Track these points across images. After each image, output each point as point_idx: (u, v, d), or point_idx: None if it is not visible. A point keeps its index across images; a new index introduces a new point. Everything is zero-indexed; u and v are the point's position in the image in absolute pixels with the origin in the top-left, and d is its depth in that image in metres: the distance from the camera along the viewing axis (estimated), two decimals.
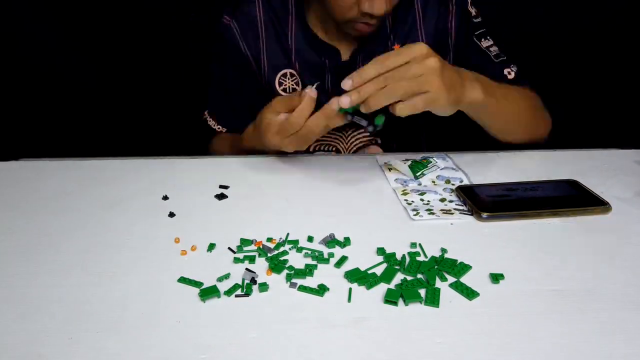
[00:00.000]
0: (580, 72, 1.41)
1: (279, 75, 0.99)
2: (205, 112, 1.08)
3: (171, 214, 0.70)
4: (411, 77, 0.66)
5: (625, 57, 1.39)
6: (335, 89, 0.99)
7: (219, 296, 0.54)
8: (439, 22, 0.97)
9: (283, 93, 0.99)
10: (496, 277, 0.56)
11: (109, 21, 1.32)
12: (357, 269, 0.58)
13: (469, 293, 0.54)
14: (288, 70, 0.99)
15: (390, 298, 0.53)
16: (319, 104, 0.93)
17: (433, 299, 0.53)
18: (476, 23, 0.99)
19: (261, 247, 0.62)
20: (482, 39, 0.99)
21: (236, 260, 0.60)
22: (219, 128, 1.07)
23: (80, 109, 1.39)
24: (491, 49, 0.99)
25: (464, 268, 0.58)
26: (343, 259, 0.60)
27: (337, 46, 0.97)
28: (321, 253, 0.61)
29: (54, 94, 1.37)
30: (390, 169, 0.83)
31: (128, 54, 1.36)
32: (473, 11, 0.98)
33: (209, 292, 0.54)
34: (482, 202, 0.71)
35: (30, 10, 1.29)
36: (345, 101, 0.67)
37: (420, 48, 0.67)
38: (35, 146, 1.31)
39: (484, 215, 0.68)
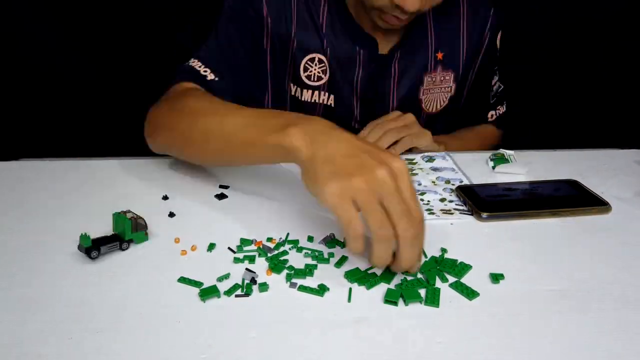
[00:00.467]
0: (580, 73, 1.41)
1: (305, 59, 0.89)
2: (192, 60, 0.88)
3: (171, 214, 0.70)
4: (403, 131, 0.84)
5: (625, 57, 1.39)
6: (364, 85, 0.92)
7: (218, 296, 0.54)
8: (476, 39, 0.95)
9: (306, 80, 0.90)
10: (496, 277, 0.56)
11: (109, 21, 1.32)
12: (357, 269, 0.58)
13: (469, 293, 0.54)
14: (317, 55, 0.89)
15: (390, 298, 0.53)
16: (345, 100, 0.92)
17: (433, 299, 0.53)
18: (497, 57, 0.99)
19: (261, 247, 0.62)
20: (494, 76, 1.01)
21: (236, 260, 0.60)
22: (207, 73, 0.84)
23: (80, 109, 1.39)
24: (494, 85, 1.01)
25: (465, 268, 0.58)
26: (343, 259, 0.60)
27: (375, 37, 0.89)
28: (321, 253, 0.61)
29: (54, 94, 1.37)
30: None
31: (128, 54, 1.36)
32: (498, 44, 0.97)
33: (209, 292, 0.54)
34: (482, 202, 0.71)
35: (30, 10, 1.29)
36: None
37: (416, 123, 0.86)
38: (35, 146, 1.31)
39: (484, 215, 0.68)
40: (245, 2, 0.88)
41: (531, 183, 0.77)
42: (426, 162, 0.85)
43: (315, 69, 0.89)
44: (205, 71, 0.85)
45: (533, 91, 1.44)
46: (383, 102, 0.93)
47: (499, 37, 0.97)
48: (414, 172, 0.82)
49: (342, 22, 0.88)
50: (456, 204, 0.72)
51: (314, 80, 0.90)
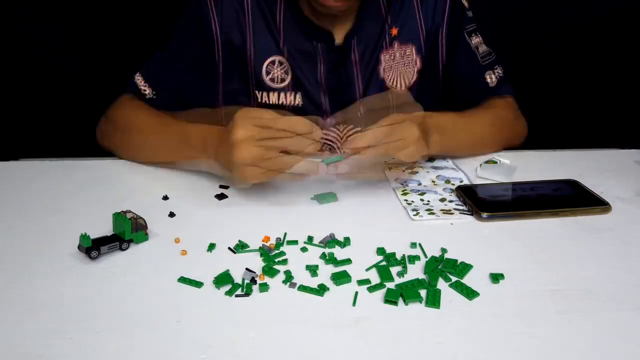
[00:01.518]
0: (580, 73, 1.41)
1: (266, 63, 0.91)
2: (137, 75, 0.92)
3: (171, 214, 0.70)
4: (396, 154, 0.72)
5: (625, 57, 1.39)
6: (327, 77, 0.92)
7: (232, 283, 0.55)
8: (435, 10, 0.92)
9: (270, 83, 0.91)
10: (496, 277, 0.56)
11: (109, 21, 1.32)
12: (344, 272, 0.57)
13: (469, 293, 0.54)
14: (277, 58, 0.91)
15: (390, 298, 0.53)
16: (312, 95, 0.90)
17: (434, 300, 0.53)
18: (468, 17, 0.94)
19: (262, 246, 0.62)
20: (473, 35, 0.95)
21: (238, 249, 0.60)
22: (146, 91, 0.90)
23: (81, 109, 1.39)
24: (480, 48, 0.95)
25: (465, 268, 0.58)
26: (346, 261, 0.60)
27: (330, 29, 0.90)
28: (331, 254, 0.61)
29: (54, 94, 1.36)
30: (390, 169, 0.83)
31: (128, 54, 1.36)
32: (465, 3, 0.94)
33: (223, 280, 0.55)
34: (482, 202, 0.71)
35: (31, 10, 1.29)
36: (342, 169, 0.71)
37: (412, 132, 0.71)
38: (35, 146, 1.31)
39: (484, 215, 0.68)
40: (195, 17, 0.91)
41: (531, 183, 0.77)
42: (426, 161, 0.85)
43: (277, 71, 0.91)
44: (144, 89, 0.91)
45: (533, 91, 1.44)
46: (349, 90, 0.93)
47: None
48: (414, 170, 0.82)
49: (297, 21, 0.90)
50: (456, 204, 0.72)
51: (277, 83, 0.91)
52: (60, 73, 1.35)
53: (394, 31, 0.91)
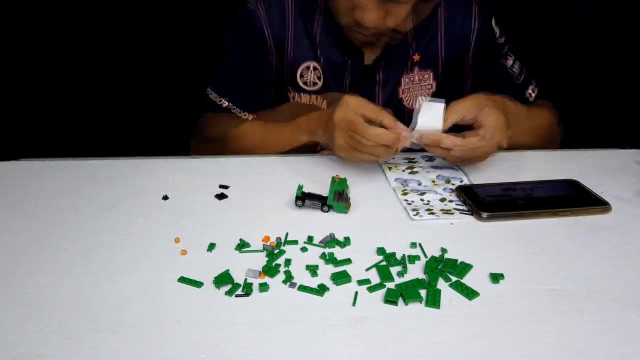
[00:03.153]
0: (580, 73, 1.41)
1: (301, 67, 0.98)
2: (209, 89, 1.01)
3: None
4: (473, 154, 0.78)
5: (626, 57, 1.39)
6: (352, 90, 0.98)
7: (233, 284, 0.55)
8: (459, 38, 0.97)
9: (303, 85, 0.99)
10: (496, 277, 0.56)
11: (109, 21, 1.32)
12: (344, 272, 0.58)
13: (469, 293, 0.54)
14: (312, 63, 0.98)
15: (390, 298, 0.53)
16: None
17: (434, 300, 0.53)
18: (501, 44, 0.99)
19: (265, 245, 0.62)
20: (507, 58, 1.00)
21: (239, 248, 0.60)
22: (220, 100, 0.99)
23: (80, 108, 1.39)
24: (514, 68, 1.00)
25: (466, 268, 0.58)
26: (346, 261, 0.60)
27: (362, 48, 0.97)
28: (331, 254, 0.61)
29: (53, 94, 1.37)
30: (390, 169, 0.83)
31: (128, 54, 1.36)
32: (497, 30, 0.98)
33: (223, 280, 0.55)
34: (482, 202, 0.71)
35: (30, 10, 1.29)
36: (447, 144, 0.75)
37: (495, 138, 0.76)
38: (35, 146, 1.31)
39: (484, 215, 0.68)
40: (248, 25, 0.97)
41: (531, 183, 0.77)
42: (426, 161, 0.86)
43: (310, 76, 0.98)
44: (220, 101, 0.99)
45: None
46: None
47: (493, 23, 0.98)
48: (414, 170, 0.82)
49: (334, 36, 0.96)
50: (456, 204, 0.72)
51: (310, 86, 0.98)
52: (61, 73, 1.35)
53: (416, 57, 0.98)
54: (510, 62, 1.01)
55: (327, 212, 0.70)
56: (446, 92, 1.00)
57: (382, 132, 0.75)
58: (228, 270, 0.58)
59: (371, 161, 0.81)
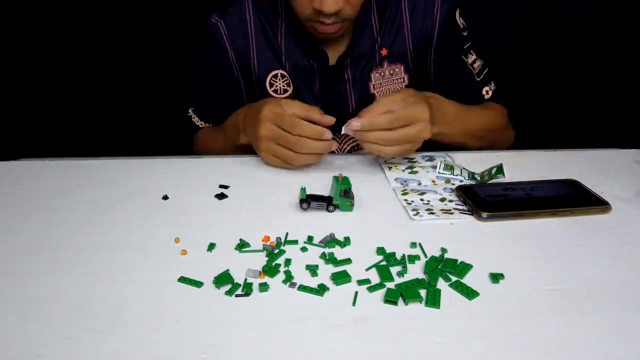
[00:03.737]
0: (580, 72, 1.41)
1: (270, 76, 1.00)
2: (190, 110, 1.08)
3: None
4: (406, 142, 0.78)
5: (625, 57, 1.39)
6: (323, 92, 1.00)
7: (233, 283, 0.55)
8: (423, 30, 0.98)
9: (274, 94, 1.00)
10: (496, 277, 0.56)
11: (109, 21, 1.32)
12: (344, 272, 0.57)
13: (469, 293, 0.54)
14: (279, 71, 0.99)
15: (390, 298, 0.53)
16: (309, 104, 0.94)
17: (434, 300, 0.53)
18: (463, 37, 1.00)
19: (264, 247, 0.62)
20: (469, 54, 1.01)
21: (239, 248, 0.60)
22: (201, 124, 1.07)
23: (80, 109, 1.39)
24: (475, 64, 1.01)
25: (466, 267, 0.58)
26: (346, 261, 0.60)
27: (327, 50, 0.98)
28: (331, 254, 0.61)
29: (53, 94, 1.37)
30: (390, 168, 0.83)
31: (128, 54, 1.36)
32: (460, 24, 0.99)
33: (223, 280, 0.55)
34: (482, 202, 0.71)
35: (30, 10, 1.29)
36: (355, 125, 0.76)
37: (423, 115, 0.78)
38: (35, 146, 1.31)
39: (484, 215, 0.68)
40: (211, 41, 1.01)
41: (531, 183, 0.77)
42: (426, 161, 0.86)
43: (280, 84, 0.99)
44: (200, 122, 1.08)
45: (533, 91, 1.44)
46: (343, 105, 1.02)
47: (457, 15, 0.99)
48: (414, 170, 0.82)
49: (297, 42, 0.98)
50: (456, 204, 0.72)
51: (281, 94, 1.00)
52: (61, 73, 1.35)
53: (384, 52, 0.99)
54: (471, 58, 1.01)
55: (332, 211, 0.70)
56: (419, 85, 1.02)
57: (308, 124, 0.77)
58: (228, 270, 0.58)
59: (291, 162, 0.81)
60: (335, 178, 0.71)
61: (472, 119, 0.93)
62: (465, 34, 1.00)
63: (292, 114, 0.78)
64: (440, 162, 0.81)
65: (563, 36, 1.38)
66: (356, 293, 0.54)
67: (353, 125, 0.76)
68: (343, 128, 0.77)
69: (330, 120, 0.79)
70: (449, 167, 0.80)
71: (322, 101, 1.01)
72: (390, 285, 0.56)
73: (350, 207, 0.70)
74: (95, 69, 1.37)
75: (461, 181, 0.79)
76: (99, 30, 1.33)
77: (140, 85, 1.38)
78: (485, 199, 0.72)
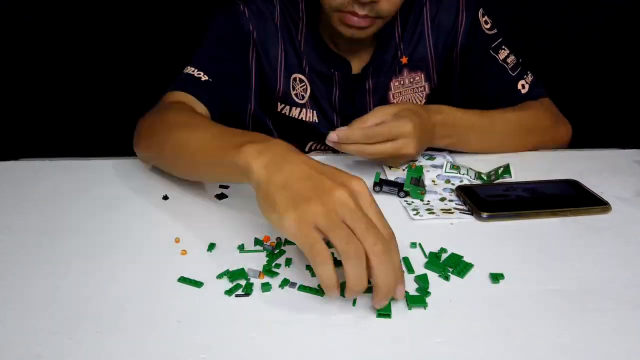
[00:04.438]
0: (580, 73, 1.41)
1: (291, 78, 0.96)
2: (188, 67, 0.91)
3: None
4: (386, 156, 0.77)
5: (625, 57, 1.39)
6: (342, 102, 0.98)
7: (247, 278, 0.56)
8: (447, 37, 0.96)
9: (295, 98, 0.96)
10: (496, 277, 0.56)
11: (109, 21, 1.32)
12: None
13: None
14: (298, 75, 0.96)
15: (383, 311, 0.51)
16: (327, 116, 0.93)
17: (422, 297, 0.53)
18: (491, 35, 0.97)
19: (265, 247, 0.62)
20: (500, 51, 0.97)
21: (239, 248, 0.60)
22: (200, 74, 0.89)
23: (80, 109, 1.39)
24: (508, 60, 0.97)
25: (466, 267, 0.58)
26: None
27: (348, 58, 0.95)
28: (331, 254, 0.61)
29: (53, 94, 1.37)
30: (390, 167, 0.83)
31: (128, 54, 1.36)
32: (485, 23, 0.96)
33: (236, 275, 0.56)
34: (482, 202, 0.71)
35: (31, 10, 1.29)
36: (332, 137, 0.74)
37: (405, 131, 0.75)
38: (35, 146, 1.31)
39: (484, 215, 0.68)
40: (231, 18, 0.93)
41: (531, 183, 0.77)
42: (427, 160, 0.86)
43: (298, 88, 0.94)
44: (199, 73, 0.89)
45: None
46: (362, 115, 0.95)
47: (480, 16, 0.96)
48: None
49: (317, 47, 0.94)
50: (456, 204, 0.72)
51: (300, 99, 0.95)
52: (60, 73, 1.35)
53: (404, 59, 0.96)
54: (503, 54, 0.97)
55: (403, 197, 0.73)
56: (441, 94, 1.00)
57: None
58: (243, 268, 0.58)
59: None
60: (409, 167, 0.73)
61: (497, 126, 0.88)
62: (493, 31, 0.97)
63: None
64: (447, 162, 0.81)
65: (562, 36, 1.38)
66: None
67: (330, 137, 0.74)
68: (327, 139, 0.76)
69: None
70: (455, 167, 0.80)
71: (340, 111, 0.98)
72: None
73: (421, 195, 0.73)
74: (95, 69, 1.37)
75: (469, 181, 0.79)
76: (99, 30, 1.33)
77: (140, 85, 1.38)
78: (485, 199, 0.72)
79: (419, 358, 0.46)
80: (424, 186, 0.73)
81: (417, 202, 0.73)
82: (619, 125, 1.37)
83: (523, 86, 0.97)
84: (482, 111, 0.88)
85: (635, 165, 0.85)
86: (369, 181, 0.79)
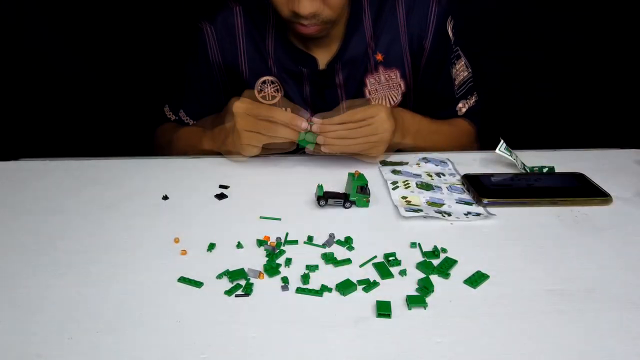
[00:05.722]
0: (580, 72, 1.41)
1: (259, 82, 0.96)
2: (166, 107, 1.07)
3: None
4: (366, 140, 0.80)
5: (625, 57, 1.39)
6: (314, 97, 1.00)
7: (247, 278, 0.56)
8: (418, 36, 0.97)
9: (262, 100, 0.96)
10: (481, 277, 0.56)
11: (109, 22, 1.33)
12: (347, 280, 0.57)
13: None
14: (268, 77, 0.96)
15: (383, 311, 0.51)
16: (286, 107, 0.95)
17: (423, 297, 0.53)
18: (451, 47, 0.99)
19: (265, 247, 0.62)
20: (455, 63, 1.01)
21: (238, 246, 0.60)
22: (171, 116, 1.06)
23: (80, 109, 1.40)
24: (461, 75, 1.01)
25: (482, 277, 0.57)
26: (346, 261, 0.60)
27: (315, 55, 0.97)
28: (331, 254, 0.61)
29: (54, 94, 1.37)
30: (384, 164, 0.83)
31: (128, 54, 1.36)
32: (451, 33, 0.98)
33: (236, 275, 0.56)
34: (485, 189, 0.72)
35: (31, 11, 1.29)
36: (304, 125, 0.79)
37: (382, 117, 0.80)
38: (35, 146, 1.31)
39: (485, 201, 0.70)
40: (197, 44, 1.01)
41: (537, 175, 0.79)
42: (420, 159, 0.86)
43: (268, 89, 0.95)
44: (169, 115, 1.06)
45: (533, 91, 1.44)
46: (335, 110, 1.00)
47: (449, 24, 0.98)
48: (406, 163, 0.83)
49: (286, 47, 0.98)
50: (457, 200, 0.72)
51: (269, 99, 0.96)
52: (61, 73, 1.35)
53: (379, 57, 0.98)
54: (458, 65, 1.01)
55: (349, 208, 0.71)
56: (415, 90, 1.02)
57: (281, 111, 0.79)
58: (243, 268, 0.58)
59: (277, 143, 0.81)
60: (351, 175, 0.72)
61: (441, 134, 0.95)
62: (452, 43, 1.00)
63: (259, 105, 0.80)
64: (502, 142, 0.82)
65: (562, 36, 1.38)
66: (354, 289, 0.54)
67: (302, 126, 0.78)
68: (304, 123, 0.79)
69: (302, 122, 0.79)
70: (508, 150, 0.81)
71: (314, 106, 1.00)
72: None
73: (366, 203, 0.71)
74: (96, 69, 1.37)
75: (523, 168, 0.81)
76: (99, 30, 1.33)
77: (140, 85, 1.38)
78: (489, 187, 0.73)
79: (419, 358, 0.46)
80: (369, 194, 0.72)
81: (415, 201, 0.73)
82: (619, 125, 1.37)
83: (460, 109, 1.03)
84: (430, 119, 0.96)
85: (635, 165, 0.85)
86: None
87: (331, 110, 0.83)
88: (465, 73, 1.02)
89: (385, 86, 1.00)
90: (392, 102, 1.01)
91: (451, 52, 1.00)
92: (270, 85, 0.95)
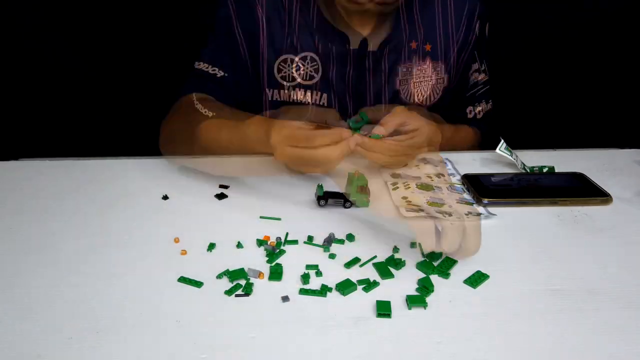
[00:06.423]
0: (580, 72, 1.41)
1: (279, 61, 0.92)
2: (200, 63, 0.96)
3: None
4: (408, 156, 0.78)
5: (625, 57, 1.39)
6: (354, 81, 0.95)
7: (247, 278, 0.56)
8: (465, 31, 0.97)
9: (282, 81, 0.93)
10: (480, 277, 0.56)
11: (109, 21, 1.33)
12: (347, 280, 0.56)
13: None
14: (289, 56, 0.92)
15: (383, 311, 0.51)
16: (337, 94, 0.91)
17: (423, 297, 0.53)
18: (483, 49, 0.99)
19: (265, 247, 0.62)
20: (483, 63, 1.01)
21: (238, 246, 0.60)
22: (213, 70, 0.94)
23: (80, 108, 1.40)
24: (479, 75, 1.01)
25: (482, 277, 0.57)
26: (355, 260, 0.60)
27: (347, 33, 0.93)
28: (332, 255, 0.61)
29: (53, 94, 1.37)
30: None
31: (128, 54, 1.36)
32: (487, 33, 0.99)
33: (236, 275, 0.56)
34: (486, 189, 0.72)
35: (31, 10, 1.29)
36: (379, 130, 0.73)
37: (421, 145, 0.77)
38: (35, 146, 1.31)
39: (485, 201, 0.70)
40: (221, 17, 0.94)
41: (537, 174, 0.79)
42: (419, 160, 0.86)
43: (288, 70, 0.92)
44: (213, 70, 0.92)
45: (533, 91, 1.44)
46: (375, 97, 0.96)
47: (487, 25, 0.99)
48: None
49: (314, 21, 0.92)
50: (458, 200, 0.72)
51: (306, 79, 0.92)
52: (60, 73, 1.35)
53: (428, 47, 0.96)
54: (473, 68, 1.01)
55: (349, 208, 0.71)
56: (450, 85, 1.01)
57: (326, 131, 0.69)
58: (243, 268, 0.58)
59: (330, 159, 0.69)
60: (351, 175, 0.71)
61: (448, 145, 0.92)
62: (484, 45, 1.00)
63: (299, 126, 0.70)
64: (502, 142, 0.82)
65: (562, 35, 1.38)
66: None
67: (377, 130, 0.73)
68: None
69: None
70: (508, 150, 0.81)
71: (355, 90, 0.95)
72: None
73: (367, 202, 0.71)
74: (96, 69, 1.37)
75: (523, 168, 0.81)
76: (99, 30, 1.33)
77: (141, 85, 1.38)
78: (489, 187, 0.73)
79: (419, 358, 0.46)
80: (369, 193, 0.71)
81: (415, 201, 0.73)
82: (619, 125, 1.37)
83: (470, 112, 1.02)
84: (453, 127, 0.95)
85: (635, 165, 0.85)
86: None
87: (383, 108, 0.78)
88: (484, 73, 1.02)
89: (429, 79, 0.97)
90: (433, 97, 0.99)
91: (484, 53, 1.00)
92: (291, 64, 0.91)
